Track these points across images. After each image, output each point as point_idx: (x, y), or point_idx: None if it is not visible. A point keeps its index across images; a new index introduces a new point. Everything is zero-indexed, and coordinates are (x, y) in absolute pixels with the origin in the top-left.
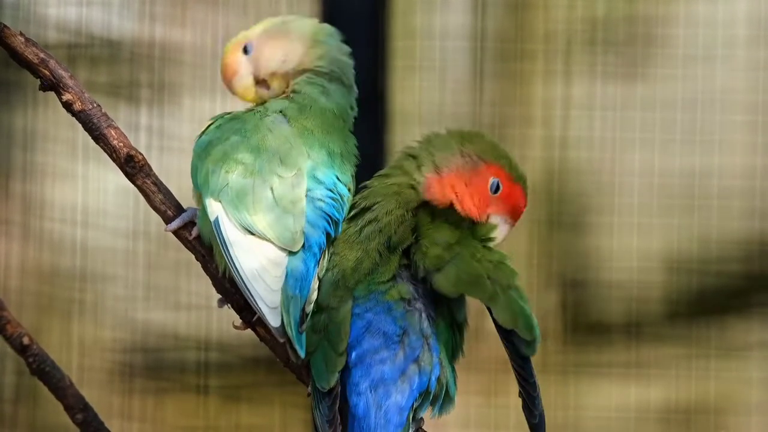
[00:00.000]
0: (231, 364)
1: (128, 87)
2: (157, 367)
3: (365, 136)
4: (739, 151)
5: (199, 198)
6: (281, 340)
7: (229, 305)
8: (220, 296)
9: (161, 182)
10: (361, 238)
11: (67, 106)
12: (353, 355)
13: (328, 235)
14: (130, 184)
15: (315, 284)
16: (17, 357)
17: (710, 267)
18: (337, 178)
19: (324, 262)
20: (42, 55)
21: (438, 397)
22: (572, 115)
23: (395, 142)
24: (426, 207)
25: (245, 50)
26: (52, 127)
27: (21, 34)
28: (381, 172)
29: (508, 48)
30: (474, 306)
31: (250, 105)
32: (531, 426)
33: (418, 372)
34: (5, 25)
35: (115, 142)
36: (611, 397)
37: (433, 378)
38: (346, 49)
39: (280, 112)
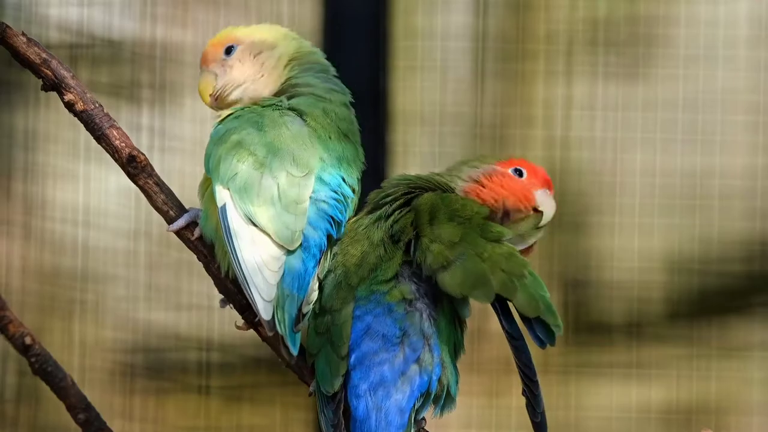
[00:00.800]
0: (232, 365)
1: (130, 87)
2: (158, 367)
3: (366, 136)
4: (741, 152)
5: (205, 191)
6: (269, 333)
7: (231, 306)
8: (222, 297)
9: (163, 182)
10: (366, 228)
11: (69, 106)
12: (353, 357)
13: (329, 236)
14: (132, 184)
15: (314, 284)
16: (19, 357)
17: (711, 267)
18: (343, 180)
19: (325, 263)
20: (44, 55)
21: (439, 397)
22: (573, 115)
23: (397, 142)
24: (425, 206)
25: (228, 50)
26: (54, 127)
27: (23, 34)
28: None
29: (510, 48)
30: (476, 305)
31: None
32: (534, 425)
33: (419, 372)
34: (7, 26)
35: (117, 143)
36: (612, 397)
37: (434, 378)
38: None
39: (296, 110)
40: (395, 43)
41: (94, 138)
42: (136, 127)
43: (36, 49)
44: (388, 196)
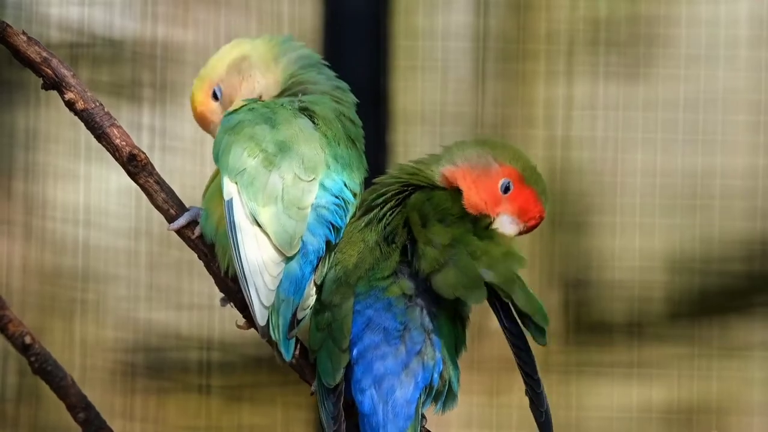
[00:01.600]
0: (233, 364)
1: (130, 87)
2: (159, 366)
3: (367, 136)
4: (742, 151)
5: (207, 191)
6: (263, 339)
7: (231, 304)
8: (222, 295)
9: (164, 181)
10: (361, 231)
11: (70, 105)
12: (355, 352)
13: (328, 242)
14: (133, 183)
15: (311, 290)
16: (19, 357)
17: (712, 267)
18: (345, 185)
19: (323, 269)
20: (44, 54)
21: (441, 392)
22: (574, 115)
23: (397, 142)
24: (415, 209)
25: (215, 96)
26: (54, 126)
27: (23, 33)
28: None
29: (511, 48)
30: (475, 305)
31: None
32: (539, 425)
33: (422, 366)
34: (8, 24)
35: (117, 141)
36: (613, 397)
37: (436, 373)
38: (305, 50)
39: (308, 110)
40: (396, 42)
41: (95, 137)
42: (137, 126)
43: (36, 48)
44: (380, 197)
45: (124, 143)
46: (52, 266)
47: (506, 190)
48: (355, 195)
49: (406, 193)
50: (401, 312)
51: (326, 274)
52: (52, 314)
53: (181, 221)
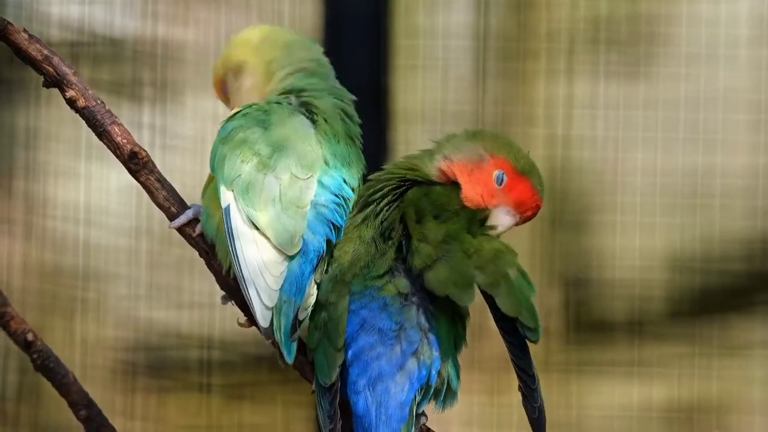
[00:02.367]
0: (234, 363)
1: (131, 85)
2: (159, 365)
3: (368, 134)
4: (742, 150)
5: (206, 190)
6: (267, 342)
7: (232, 302)
8: (223, 293)
9: (165, 179)
10: (357, 227)
11: (71, 102)
12: (350, 353)
13: (328, 241)
14: (133, 181)
15: (311, 289)
16: (21, 355)
17: (713, 266)
18: (344, 181)
19: (323, 267)
20: (45, 51)
21: (440, 390)
22: (575, 114)
23: (398, 140)
24: (411, 205)
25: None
26: (55, 125)
27: (24, 30)
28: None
29: (511, 47)
30: (477, 303)
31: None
32: (531, 421)
33: (418, 365)
34: (9, 22)
35: (118, 139)
36: (614, 396)
37: (434, 371)
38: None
39: (308, 104)
40: (396, 41)
41: (96, 135)
42: (138, 124)
43: (37, 45)
44: (376, 192)
45: (125, 141)
46: (53, 265)
47: (501, 181)
48: (354, 191)
49: (404, 188)
50: (397, 311)
51: (324, 275)
52: (53, 313)
53: (182, 219)
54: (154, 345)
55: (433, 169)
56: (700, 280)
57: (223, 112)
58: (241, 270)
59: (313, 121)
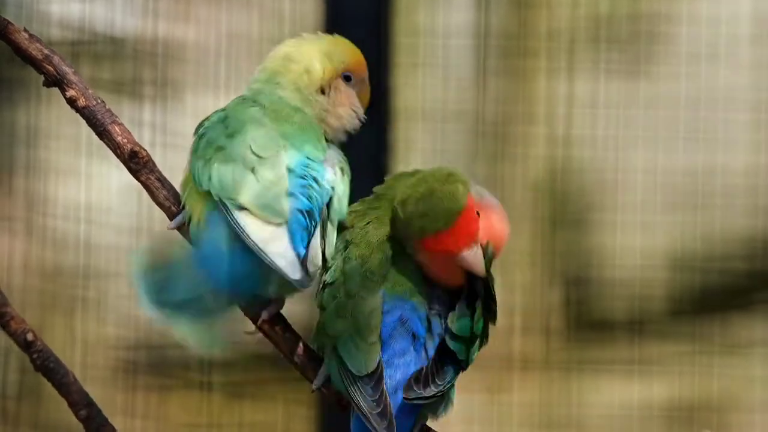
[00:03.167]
0: (234, 361)
1: (131, 84)
2: (160, 364)
3: (368, 133)
4: (743, 149)
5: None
6: (304, 288)
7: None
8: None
9: (165, 178)
10: (376, 242)
11: (71, 102)
12: (385, 356)
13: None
14: (134, 180)
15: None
16: (21, 354)
17: (713, 265)
18: (308, 158)
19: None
20: (46, 51)
21: (443, 396)
22: (575, 112)
23: (398, 139)
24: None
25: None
26: (56, 123)
27: (25, 30)
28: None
29: (512, 45)
30: None
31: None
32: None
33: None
34: (9, 21)
35: (119, 138)
36: (614, 395)
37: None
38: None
39: (255, 101)
40: (397, 40)
41: (96, 134)
42: (138, 123)
43: (38, 45)
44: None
45: (125, 140)
46: (54, 263)
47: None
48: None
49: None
50: (424, 317)
51: (347, 264)
52: (54, 312)
53: (180, 219)
54: (155, 343)
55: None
56: (701, 279)
57: None
58: (255, 244)
59: (263, 106)
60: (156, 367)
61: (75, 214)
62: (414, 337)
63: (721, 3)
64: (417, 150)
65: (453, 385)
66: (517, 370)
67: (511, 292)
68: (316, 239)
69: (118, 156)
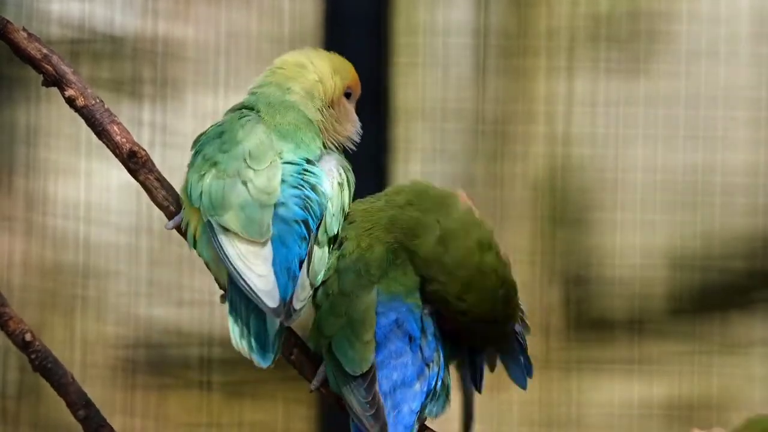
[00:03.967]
0: (234, 360)
1: (131, 83)
2: (160, 363)
3: (368, 132)
4: (742, 148)
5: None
6: (278, 319)
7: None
8: (223, 292)
9: (164, 178)
10: (373, 239)
11: (70, 101)
12: (380, 355)
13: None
14: (133, 180)
15: (305, 282)
16: (20, 353)
17: (713, 263)
18: (307, 161)
19: (313, 260)
20: (45, 50)
21: (440, 397)
22: (575, 111)
23: (398, 138)
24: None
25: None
26: (55, 122)
27: (24, 29)
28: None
29: (511, 44)
30: None
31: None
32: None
33: (430, 373)
34: (8, 21)
35: (117, 138)
36: (614, 394)
37: (439, 380)
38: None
39: (252, 109)
40: (397, 39)
41: (95, 133)
42: (138, 122)
43: (37, 44)
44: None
45: (124, 140)
46: (53, 262)
47: None
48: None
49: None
50: (419, 318)
51: (341, 262)
52: (53, 311)
53: (177, 220)
54: (155, 342)
55: None
56: (701, 278)
57: (224, 108)
58: (230, 266)
59: (258, 114)
60: (155, 366)
61: (74, 213)
62: (410, 339)
63: (721, 1)
64: (417, 149)
65: (449, 385)
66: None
67: None
68: (304, 272)
69: (116, 155)
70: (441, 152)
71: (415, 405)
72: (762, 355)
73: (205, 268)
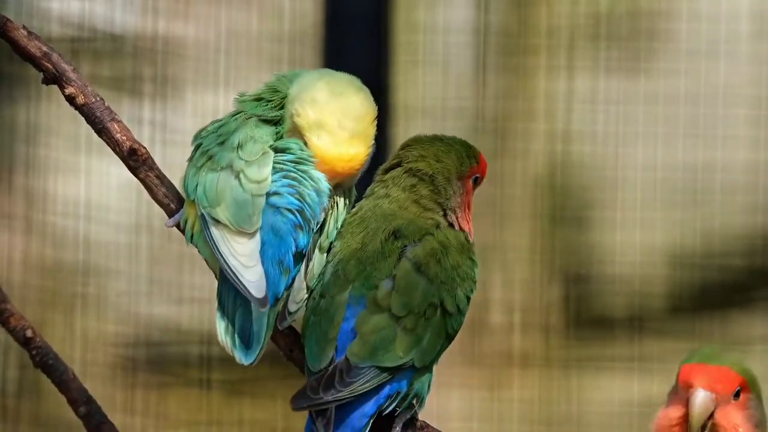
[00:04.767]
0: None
1: (131, 81)
2: (160, 361)
3: None
4: (742, 146)
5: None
6: (262, 310)
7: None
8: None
9: (164, 175)
10: (365, 213)
11: (70, 99)
12: (338, 357)
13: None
14: (133, 177)
15: (301, 283)
16: (21, 350)
17: (713, 261)
18: (301, 148)
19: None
20: (45, 48)
21: (406, 398)
22: (575, 109)
23: (398, 136)
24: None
25: None
26: (55, 120)
27: (24, 27)
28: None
29: (511, 42)
30: (476, 300)
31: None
32: None
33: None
34: (8, 19)
35: (118, 136)
36: (614, 392)
37: (406, 381)
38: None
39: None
40: (397, 37)
41: (95, 131)
42: (138, 120)
43: (37, 42)
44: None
45: (124, 138)
46: (53, 260)
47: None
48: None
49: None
50: None
51: (326, 266)
52: (53, 308)
53: (177, 218)
54: (155, 341)
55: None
56: (701, 276)
57: (224, 107)
58: (219, 257)
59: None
60: (156, 364)
61: (75, 211)
62: None
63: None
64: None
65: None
66: (516, 367)
67: (511, 289)
68: (301, 275)
69: (117, 153)
70: None
71: (369, 409)
72: (762, 352)
73: (206, 266)
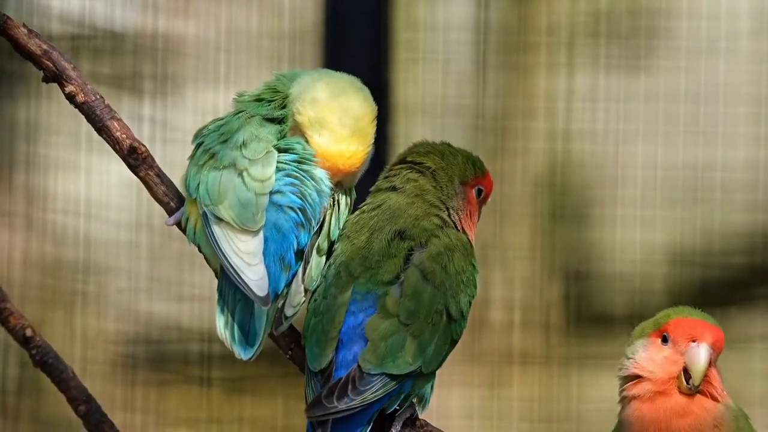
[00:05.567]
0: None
1: (131, 79)
2: (160, 358)
3: None
4: (742, 144)
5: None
6: (264, 308)
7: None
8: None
9: (164, 174)
10: (371, 211)
11: (70, 97)
12: (339, 356)
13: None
14: (133, 175)
15: (299, 287)
16: (20, 349)
17: (713, 259)
18: (304, 148)
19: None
20: (45, 46)
21: (411, 396)
22: (575, 107)
23: (398, 134)
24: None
25: None
26: (56, 118)
27: (24, 25)
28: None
29: (512, 40)
30: (476, 297)
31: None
32: None
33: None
34: (8, 17)
35: (118, 134)
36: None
37: (410, 381)
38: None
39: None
40: (397, 35)
41: (95, 129)
42: (138, 118)
43: (37, 40)
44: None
45: (124, 136)
46: (53, 258)
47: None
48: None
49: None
50: None
51: (329, 268)
52: (53, 306)
53: (177, 216)
54: (155, 338)
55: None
56: (701, 274)
57: (224, 104)
58: (221, 255)
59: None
60: (156, 362)
61: (75, 209)
62: None
63: None
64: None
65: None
66: (516, 365)
67: (511, 286)
68: (299, 278)
69: (117, 152)
70: None
71: (371, 408)
72: (762, 350)
73: (206, 263)
